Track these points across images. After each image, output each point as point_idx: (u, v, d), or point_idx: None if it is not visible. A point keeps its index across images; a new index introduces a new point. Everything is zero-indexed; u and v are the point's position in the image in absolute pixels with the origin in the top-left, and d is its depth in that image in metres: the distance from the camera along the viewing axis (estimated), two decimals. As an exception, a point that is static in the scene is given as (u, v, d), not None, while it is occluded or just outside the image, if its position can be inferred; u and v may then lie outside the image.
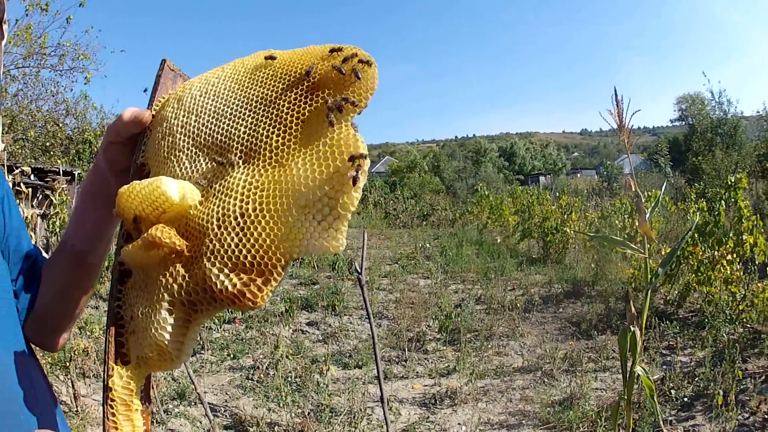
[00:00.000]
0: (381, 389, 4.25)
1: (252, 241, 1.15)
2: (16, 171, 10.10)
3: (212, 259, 1.17)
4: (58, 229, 10.51)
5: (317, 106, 1.26)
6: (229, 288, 1.13)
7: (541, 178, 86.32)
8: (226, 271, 1.15)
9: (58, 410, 1.86)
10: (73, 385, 6.85)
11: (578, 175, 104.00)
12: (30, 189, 10.35)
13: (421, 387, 7.96)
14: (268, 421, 6.77)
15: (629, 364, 4.23)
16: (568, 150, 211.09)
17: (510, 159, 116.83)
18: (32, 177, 14.44)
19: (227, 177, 1.27)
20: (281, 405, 7.16)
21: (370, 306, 11.21)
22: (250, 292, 1.12)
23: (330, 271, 15.26)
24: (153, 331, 1.23)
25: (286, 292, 12.53)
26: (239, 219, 1.18)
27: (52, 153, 21.89)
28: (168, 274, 1.24)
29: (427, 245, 20.35)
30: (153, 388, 6.77)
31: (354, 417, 6.78)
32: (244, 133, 1.31)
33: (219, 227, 1.19)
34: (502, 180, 73.07)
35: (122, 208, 1.28)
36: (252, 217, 1.17)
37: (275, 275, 1.13)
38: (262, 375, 8.08)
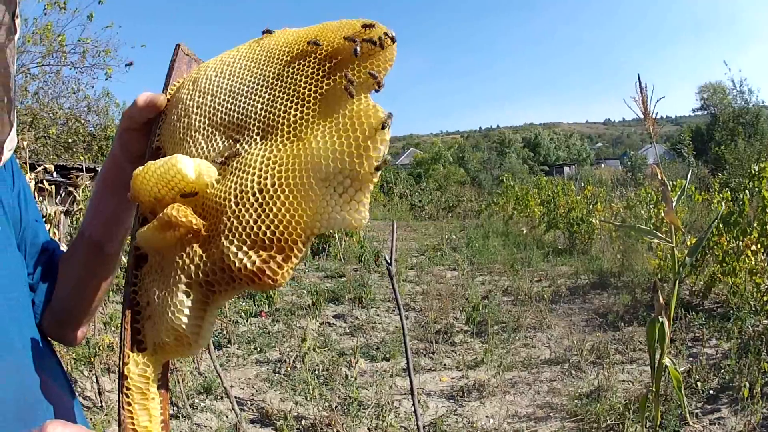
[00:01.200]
0: (411, 382, 4.21)
1: (271, 216, 1.11)
2: (39, 168, 10.13)
3: (230, 237, 1.13)
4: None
5: (335, 79, 1.23)
6: (248, 266, 1.09)
7: (566, 169, 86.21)
8: (244, 248, 1.11)
9: (75, 403, 1.84)
10: (97, 381, 6.87)
11: (602, 165, 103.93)
12: (53, 186, 10.40)
13: (449, 379, 7.91)
14: (295, 414, 6.75)
15: (657, 355, 4.18)
16: (592, 140, 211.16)
17: (534, 149, 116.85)
18: (55, 174, 14.46)
19: (245, 154, 1.24)
20: (308, 398, 7.15)
21: (399, 297, 11.26)
22: (270, 269, 1.08)
23: (357, 263, 15.26)
24: (170, 314, 1.20)
25: (313, 285, 12.55)
26: (257, 195, 1.14)
27: (74, 150, 22.10)
28: (185, 255, 1.21)
29: (453, 237, 20.31)
30: (179, 382, 6.79)
31: (381, 410, 6.75)
32: (261, 109, 1.28)
33: (237, 204, 1.16)
34: (526, 171, 73.23)
35: (137, 190, 1.25)
36: (271, 193, 1.13)
37: (296, 251, 1.09)
38: (289, 368, 8.05)
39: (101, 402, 6.74)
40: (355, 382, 7.60)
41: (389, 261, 4.04)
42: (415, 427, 6.05)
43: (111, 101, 24.47)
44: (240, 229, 1.13)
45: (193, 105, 1.39)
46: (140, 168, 1.25)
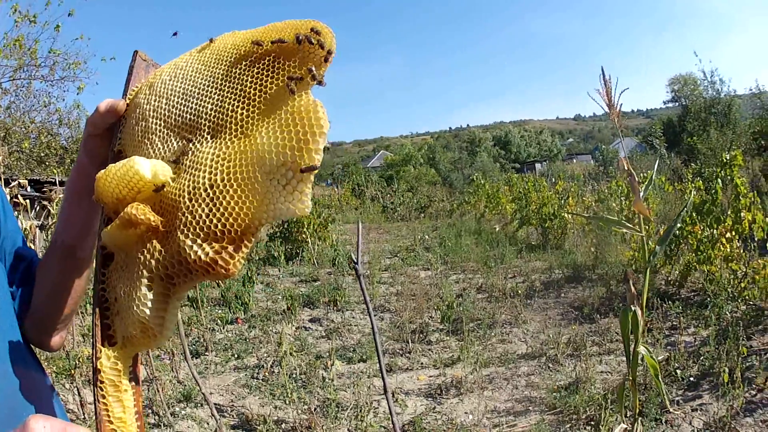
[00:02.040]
0: (384, 382, 4.25)
1: (222, 210, 1.18)
2: (13, 183, 10.12)
3: (185, 231, 1.20)
4: (55, 238, 10.50)
5: (279, 78, 1.30)
6: (202, 257, 1.16)
7: (537, 165, 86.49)
8: (198, 241, 1.18)
9: (56, 402, 1.90)
10: (79, 393, 6.87)
11: (574, 160, 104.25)
12: (27, 201, 10.36)
13: (426, 378, 7.95)
14: (275, 418, 6.77)
15: (632, 344, 4.25)
16: (563, 136, 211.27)
17: (505, 147, 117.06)
18: (29, 189, 14.44)
19: (197, 153, 1.30)
20: (287, 402, 7.17)
21: (371, 299, 11.29)
22: (222, 259, 1.15)
23: (330, 267, 15.28)
24: (134, 308, 1.26)
25: (288, 290, 12.50)
26: (209, 190, 1.21)
27: (47, 164, 21.91)
28: (146, 251, 1.27)
29: (426, 237, 20.37)
30: (158, 391, 6.81)
31: (360, 411, 6.78)
32: (211, 109, 1.34)
33: (190, 200, 1.22)
34: (498, 169, 73.26)
35: (100, 192, 1.32)
36: (221, 188, 1.20)
37: (246, 242, 1.16)
38: (266, 373, 8.07)
39: (83, 414, 6.73)
40: (332, 384, 7.63)
41: (356, 261, 4.09)
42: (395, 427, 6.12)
43: (82, 114, 24.29)
44: (194, 224, 1.19)
45: (150, 108, 1.45)
46: (102, 171, 1.32)
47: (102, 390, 1.31)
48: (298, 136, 1.17)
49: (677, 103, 59.85)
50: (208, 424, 6.85)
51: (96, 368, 1.33)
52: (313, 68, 1.26)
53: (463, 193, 34.66)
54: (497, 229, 20.23)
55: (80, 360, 6.99)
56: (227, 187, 1.19)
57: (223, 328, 10.37)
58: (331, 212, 21.67)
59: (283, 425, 6.66)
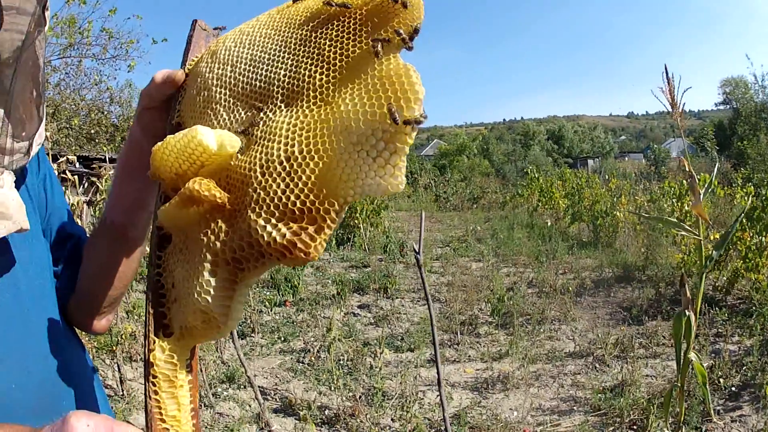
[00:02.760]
0: (438, 373, 4.17)
1: (300, 185, 1.05)
2: (62, 159, 10.16)
3: (257, 210, 1.07)
4: (104, 215, 10.57)
5: (361, 40, 1.17)
6: (278, 239, 1.03)
7: (589, 161, 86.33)
8: (273, 221, 1.05)
9: (98, 387, 1.83)
10: (119, 369, 6.88)
11: (626, 158, 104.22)
12: (75, 176, 10.41)
13: (474, 371, 7.87)
14: (319, 404, 6.73)
15: (683, 349, 4.13)
16: (615, 133, 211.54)
17: (558, 142, 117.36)
18: (78, 165, 14.52)
19: (269, 122, 1.17)
20: (332, 388, 7.11)
21: (420, 289, 11.21)
22: (302, 241, 1.02)
23: (382, 253, 15.24)
24: (196, 296, 1.15)
25: (338, 275, 12.54)
26: (285, 163, 1.08)
27: (97, 141, 22.21)
28: (209, 232, 1.15)
29: (478, 228, 20.26)
30: (201, 371, 6.78)
31: (405, 401, 6.70)
32: (285, 75, 1.22)
33: (263, 174, 1.10)
34: (551, 163, 73.41)
35: (157, 167, 1.20)
36: (299, 160, 1.07)
37: (329, 222, 1.03)
38: (313, 358, 8.04)
39: (122, 390, 6.75)
40: (379, 372, 7.57)
41: (417, 250, 3.98)
42: (440, 418, 6.02)
43: (134, 92, 24.61)
44: (268, 201, 1.07)
45: (213, 77, 1.35)
46: (159, 143, 1.20)
47: (155, 386, 1.22)
48: (390, 102, 1.03)
49: (728, 106, 59.68)
50: (250, 406, 6.84)
51: (148, 361, 1.23)
52: (402, 30, 1.13)
53: (516, 186, 34.51)
54: (549, 223, 20.12)
55: (122, 337, 6.99)
56: (307, 160, 1.06)
57: (271, 310, 10.38)
58: (384, 199, 21.73)
59: (326, 411, 6.61)
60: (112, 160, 15.64)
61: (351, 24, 1.20)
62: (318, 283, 12.30)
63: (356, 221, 16.49)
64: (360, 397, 6.83)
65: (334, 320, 8.88)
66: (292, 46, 1.26)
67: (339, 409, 6.52)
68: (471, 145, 73.30)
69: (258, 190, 1.08)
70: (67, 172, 9.96)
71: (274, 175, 1.08)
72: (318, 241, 1.02)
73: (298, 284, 11.35)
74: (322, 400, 6.89)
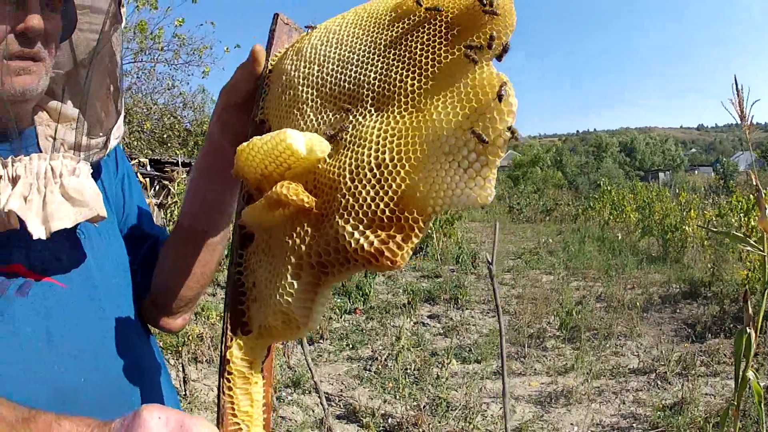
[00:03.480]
0: (504, 386, 4.14)
1: (390, 194, 1.04)
2: (133, 161, 10.33)
3: (345, 216, 1.07)
4: (176, 218, 10.73)
5: (454, 46, 1.14)
6: (365, 246, 1.03)
7: (660, 175, 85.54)
8: (361, 228, 1.05)
9: (167, 381, 1.89)
10: (183, 370, 6.95)
11: (695, 171, 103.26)
12: (147, 179, 10.56)
13: (538, 385, 7.82)
14: (383, 412, 6.74)
15: (741, 368, 4.07)
16: (686, 145, 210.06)
17: (630, 154, 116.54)
18: (149, 168, 14.71)
19: (359, 126, 1.16)
20: (397, 397, 7.13)
21: (490, 301, 11.20)
22: (389, 250, 1.01)
23: (454, 264, 15.19)
24: (278, 297, 1.16)
25: (409, 284, 12.59)
26: (375, 170, 1.08)
27: (169, 145, 22.58)
28: (295, 235, 1.16)
29: (550, 240, 20.18)
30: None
31: (469, 412, 6.67)
32: (375, 78, 1.20)
33: (352, 180, 1.09)
34: (622, 175, 72.95)
35: (242, 166, 1.21)
36: (390, 168, 1.06)
37: (417, 231, 1.02)
38: (380, 366, 8.06)
39: (185, 391, 6.84)
40: (445, 382, 7.55)
41: (490, 261, 3.97)
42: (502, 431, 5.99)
43: (207, 98, 24.99)
44: (356, 207, 1.07)
45: (299, 76, 1.33)
46: (245, 144, 1.20)
47: (229, 381, 1.24)
48: (483, 113, 1.01)
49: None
50: (313, 411, 6.89)
51: (225, 358, 1.26)
52: (495, 36, 1.10)
53: (588, 198, 34.37)
54: (620, 237, 19.96)
55: (189, 338, 7.07)
56: (398, 168, 1.05)
57: (341, 318, 10.44)
58: (458, 209, 21.78)
59: (389, 420, 6.61)
60: (184, 164, 15.84)
61: (442, 28, 1.17)
62: (389, 292, 12.34)
63: (429, 231, 16.49)
64: (424, 406, 6.82)
65: (404, 329, 8.90)
66: (382, 48, 1.24)
67: (402, 417, 6.52)
68: (545, 157, 73.07)
69: (347, 196, 1.08)
70: (138, 174, 10.10)
71: (364, 182, 1.07)
72: (405, 249, 1.02)
73: (369, 292, 11.39)
74: (386, 408, 6.90)
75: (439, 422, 6.45)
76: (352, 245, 1.04)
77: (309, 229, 1.13)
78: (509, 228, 26.80)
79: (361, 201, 1.06)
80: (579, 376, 7.97)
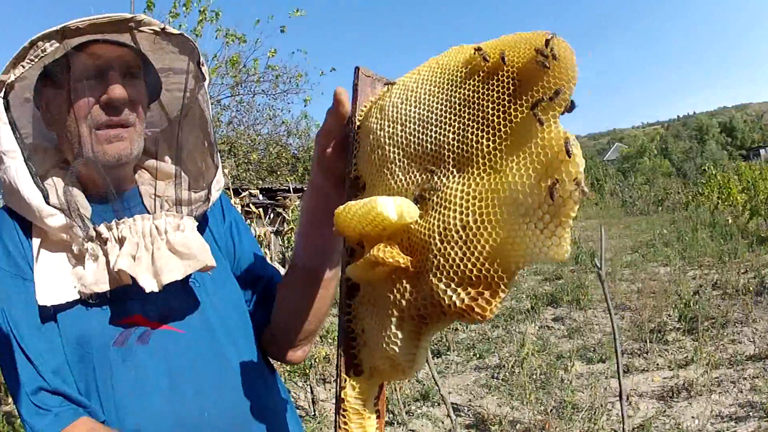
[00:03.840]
0: (620, 385, 4.19)
1: (476, 254, 1.12)
2: (244, 193, 10.48)
3: (438, 275, 1.16)
4: (292, 244, 10.80)
5: (522, 104, 1.17)
6: (458, 303, 1.12)
7: (761, 152, 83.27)
8: (453, 285, 1.14)
9: (290, 415, 2.00)
10: (312, 391, 7.11)
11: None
12: (260, 209, 10.70)
13: (660, 379, 7.74)
14: (510, 419, 6.76)
15: None
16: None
17: (731, 134, 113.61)
18: (261, 197, 14.86)
19: (443, 188, 1.24)
20: (524, 403, 7.13)
21: (612, 297, 11.07)
22: (479, 306, 1.10)
23: (574, 264, 15.04)
24: (384, 345, 1.26)
25: (532, 289, 12.61)
26: (461, 232, 1.16)
27: (279, 173, 22.77)
28: (395, 290, 1.25)
29: (665, 231, 19.75)
30: (396, 390, 6.94)
31: (594, 413, 6.65)
32: (453, 139, 1.26)
33: (441, 242, 1.18)
34: (726, 157, 71.31)
35: (341, 227, 1.30)
36: (474, 230, 1.14)
37: (503, 287, 1.10)
38: (507, 373, 8.08)
39: (314, 411, 7.00)
40: (570, 385, 7.55)
41: (599, 266, 4.03)
42: (628, 430, 5.99)
43: (311, 123, 25.29)
44: (447, 267, 1.15)
45: (385, 135, 1.40)
46: (341, 207, 1.28)
47: (344, 417, 1.35)
48: (552, 175, 1.07)
49: None
50: (442, 423, 6.96)
51: (340, 397, 1.36)
52: (560, 92, 1.12)
53: (696, 184, 33.61)
54: (729, 221, 19.56)
55: (316, 360, 7.18)
56: (480, 230, 1.13)
57: (466, 328, 10.45)
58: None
59: (517, 426, 6.63)
60: (296, 190, 15.99)
61: (508, 83, 1.21)
62: (512, 298, 12.33)
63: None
64: (551, 410, 6.83)
65: (528, 335, 8.90)
66: (457, 107, 1.28)
67: (530, 423, 6.54)
68: (650, 146, 71.96)
69: (438, 257, 1.17)
70: (250, 205, 10.26)
71: (452, 243, 1.15)
72: (493, 304, 1.10)
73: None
74: (514, 414, 6.92)
75: (566, 425, 6.45)
76: (446, 301, 1.14)
77: (407, 286, 1.23)
78: (625, 222, 26.48)
79: (450, 261, 1.14)
80: (699, 367, 7.84)
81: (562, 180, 1.05)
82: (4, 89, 1.71)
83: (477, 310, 1.10)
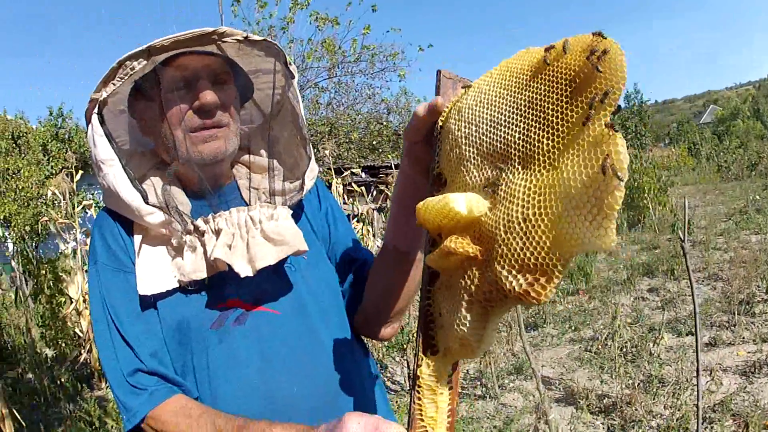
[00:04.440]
0: (697, 361, 4.24)
1: (534, 244, 1.24)
2: (346, 173, 10.61)
3: (501, 262, 1.29)
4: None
5: (576, 105, 1.27)
6: (516, 288, 1.25)
7: None
8: (513, 272, 1.27)
9: (379, 389, 2.14)
10: (408, 366, 7.24)
11: None
12: (363, 187, 10.83)
13: (745, 354, 7.60)
14: (599, 392, 6.80)
15: None
16: None
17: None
18: (363, 175, 14.97)
19: (509, 183, 1.36)
20: (614, 376, 7.17)
21: (705, 266, 11.05)
22: (534, 291, 1.23)
23: (670, 233, 14.77)
24: (456, 327, 1.42)
25: (629, 259, 12.56)
26: (522, 224, 1.27)
27: (381, 150, 23.04)
28: (466, 276, 1.40)
29: (757, 197, 19.22)
30: (490, 364, 7.02)
31: (679, 387, 6.59)
32: (519, 139, 1.37)
33: (506, 233, 1.30)
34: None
35: (421, 220, 1.46)
36: (533, 222, 1.26)
37: (557, 274, 1.22)
38: (600, 346, 8.10)
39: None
40: (657, 359, 7.53)
41: (683, 239, 4.09)
42: (709, 406, 6.00)
43: (411, 99, 25.42)
44: (509, 256, 1.28)
45: (461, 135, 1.52)
46: (421, 203, 1.46)
47: (419, 393, 1.50)
48: (600, 170, 1.16)
49: None
50: (533, 396, 7.04)
51: (416, 375, 1.52)
52: (609, 92, 1.21)
53: (789, 148, 32.82)
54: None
55: (412, 335, 7.31)
56: (539, 222, 1.25)
57: (564, 300, 10.55)
58: (670, 174, 21.14)
59: (605, 400, 6.67)
60: (398, 166, 16.15)
61: (565, 85, 1.31)
62: (610, 269, 12.34)
63: (644, 201, 16.25)
64: (638, 384, 6.82)
65: (620, 307, 8.89)
66: (522, 109, 1.39)
67: (617, 397, 6.56)
68: (743, 107, 70.55)
69: (502, 246, 1.30)
70: (353, 184, 10.39)
71: (514, 234, 1.28)
72: (548, 288, 1.22)
73: (591, 272, 11.43)
74: (603, 388, 6.96)
75: (651, 400, 6.46)
76: (507, 286, 1.27)
77: (476, 272, 1.37)
78: (720, 188, 25.90)
79: (512, 250, 1.27)
80: (783, 341, 7.65)
81: (609, 176, 1.15)
82: (97, 106, 1.89)
83: (533, 294, 1.23)
